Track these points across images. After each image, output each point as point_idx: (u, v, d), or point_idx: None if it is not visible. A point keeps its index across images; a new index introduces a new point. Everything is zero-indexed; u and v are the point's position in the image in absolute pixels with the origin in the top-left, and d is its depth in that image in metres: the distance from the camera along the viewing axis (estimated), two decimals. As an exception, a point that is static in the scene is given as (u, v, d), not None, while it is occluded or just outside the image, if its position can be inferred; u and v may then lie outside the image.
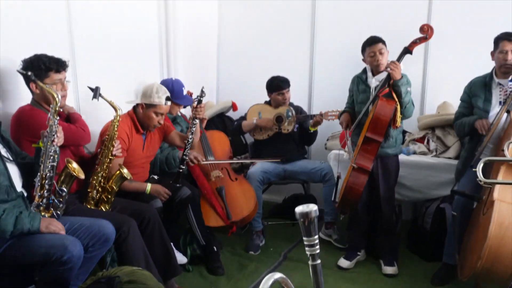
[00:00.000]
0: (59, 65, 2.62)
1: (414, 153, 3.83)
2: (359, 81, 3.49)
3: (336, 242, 3.90)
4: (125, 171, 2.83)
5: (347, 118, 3.56)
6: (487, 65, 3.26)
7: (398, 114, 3.16)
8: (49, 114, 2.30)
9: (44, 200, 2.36)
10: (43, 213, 2.36)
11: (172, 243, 3.17)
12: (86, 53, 3.38)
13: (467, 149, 3.30)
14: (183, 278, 3.27)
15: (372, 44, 3.33)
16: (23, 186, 2.37)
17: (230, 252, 3.80)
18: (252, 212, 3.69)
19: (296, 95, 4.36)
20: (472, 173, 2.38)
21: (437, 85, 4.23)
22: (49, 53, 2.63)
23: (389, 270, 3.43)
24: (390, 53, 3.37)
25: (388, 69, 3.13)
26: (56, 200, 2.38)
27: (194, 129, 3.30)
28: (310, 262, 1.15)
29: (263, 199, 4.08)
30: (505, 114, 3.00)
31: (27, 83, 2.61)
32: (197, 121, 3.32)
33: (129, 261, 2.60)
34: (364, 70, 3.48)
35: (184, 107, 4.02)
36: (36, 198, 2.34)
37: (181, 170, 3.32)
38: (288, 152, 4.09)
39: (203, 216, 3.52)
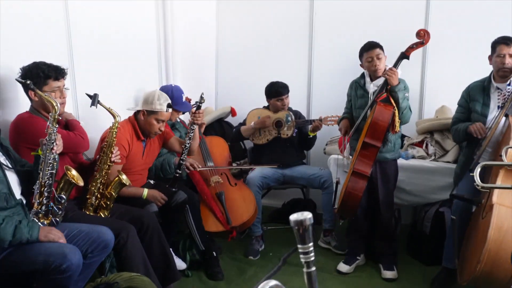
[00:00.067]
0: (57, 73, 2.63)
1: (413, 157, 3.83)
2: (357, 86, 3.50)
3: (335, 248, 3.90)
4: (124, 177, 2.83)
5: (346, 124, 3.57)
6: (485, 69, 3.26)
7: (397, 119, 3.17)
8: (48, 122, 2.31)
9: (43, 207, 2.36)
10: (42, 220, 2.36)
11: (171, 249, 3.17)
12: (84, 60, 3.39)
13: (465, 154, 3.30)
14: (183, 283, 3.26)
15: (369, 49, 3.34)
16: (22, 194, 2.37)
17: (230, 257, 3.80)
18: (252, 217, 3.69)
19: (295, 100, 4.36)
20: (471, 177, 2.38)
21: (436, 89, 4.23)
22: (48, 61, 2.65)
23: (388, 274, 3.43)
24: (388, 58, 3.38)
25: (386, 75, 3.15)
26: (55, 207, 2.39)
27: (192, 134, 3.31)
28: (304, 270, 1.15)
29: (263, 204, 4.08)
30: (504, 118, 3.00)
31: (26, 91, 2.62)
32: (195, 126, 3.33)
33: (128, 267, 2.60)
34: (362, 75, 3.49)
35: (183, 113, 4.03)
36: (35, 205, 2.34)
37: (177, 175, 3.32)
38: (287, 157, 4.09)
39: (202, 221, 3.53)
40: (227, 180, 3.89)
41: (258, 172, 3.99)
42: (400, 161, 3.63)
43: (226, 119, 4.84)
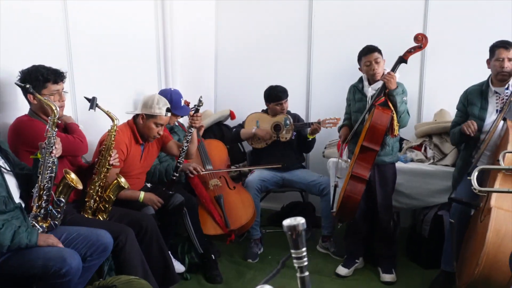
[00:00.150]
0: (57, 76, 2.64)
1: (412, 160, 3.83)
2: (356, 90, 3.51)
3: (334, 254, 3.90)
4: (122, 180, 2.84)
5: (346, 132, 3.57)
6: (483, 73, 3.27)
7: (395, 123, 3.17)
8: (47, 126, 2.31)
9: (42, 211, 2.36)
10: (40, 223, 2.36)
11: (170, 252, 3.18)
12: (83, 63, 3.39)
13: (462, 157, 3.31)
14: (181, 286, 3.27)
15: (368, 53, 3.34)
16: (21, 197, 2.37)
17: (228, 260, 3.80)
18: (251, 220, 3.69)
19: (294, 103, 4.37)
20: (469, 180, 2.38)
21: (434, 92, 4.24)
22: (47, 64, 2.66)
23: (387, 277, 3.43)
24: (386, 62, 3.39)
25: (384, 79, 3.16)
26: (54, 211, 2.39)
27: (189, 137, 3.32)
28: (298, 275, 1.16)
29: (261, 207, 4.09)
30: (502, 122, 3.01)
31: (25, 94, 2.62)
32: (193, 129, 3.34)
33: (126, 270, 2.61)
34: (360, 79, 3.50)
35: (182, 116, 4.04)
36: (34, 208, 2.35)
37: (174, 178, 3.33)
38: (286, 160, 4.10)
39: (201, 224, 3.53)
40: (226, 183, 3.90)
41: (257, 175, 4.00)
42: (399, 165, 3.64)
43: (225, 122, 4.84)
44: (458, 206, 3.09)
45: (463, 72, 3.93)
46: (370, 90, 3.37)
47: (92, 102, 2.77)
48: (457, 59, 4.10)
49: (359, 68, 3.47)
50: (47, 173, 2.32)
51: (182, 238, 3.59)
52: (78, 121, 3.29)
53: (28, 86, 2.37)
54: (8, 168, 2.34)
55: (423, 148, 3.89)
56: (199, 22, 4.87)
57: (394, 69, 3.23)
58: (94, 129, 3.26)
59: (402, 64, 3.25)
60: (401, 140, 4.03)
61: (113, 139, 2.81)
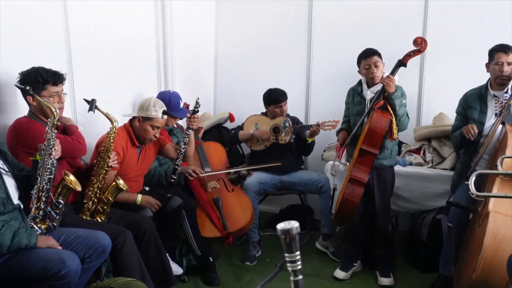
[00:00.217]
0: (56, 78, 2.65)
1: (410, 164, 3.83)
2: (354, 93, 3.51)
3: (332, 255, 3.90)
4: (121, 182, 2.84)
5: (344, 136, 3.58)
6: (482, 77, 3.28)
7: (394, 126, 3.18)
8: (46, 128, 2.32)
9: (41, 212, 2.36)
10: (39, 225, 2.36)
11: (168, 254, 3.18)
12: (83, 65, 3.40)
13: (462, 161, 3.31)
14: (179, 288, 3.27)
15: (367, 56, 3.35)
16: (19, 198, 2.38)
17: (226, 262, 3.80)
18: (249, 223, 3.69)
19: (293, 106, 4.37)
20: (467, 185, 2.39)
21: (433, 96, 4.25)
22: (47, 66, 2.66)
23: (385, 281, 3.43)
24: (386, 66, 3.39)
25: (383, 82, 3.16)
26: (52, 212, 2.39)
27: (187, 139, 3.32)
28: (292, 278, 1.16)
29: (260, 210, 4.09)
30: (500, 126, 3.02)
31: (24, 96, 2.63)
32: (191, 131, 3.34)
33: (124, 272, 2.61)
34: (360, 82, 3.51)
35: (181, 118, 4.04)
36: (33, 210, 2.35)
37: (172, 180, 3.33)
38: (285, 163, 4.10)
39: (199, 226, 3.53)
40: (224, 185, 3.89)
41: (255, 177, 4.00)
42: (398, 168, 3.65)
43: (224, 125, 4.84)
44: (457, 210, 3.09)
45: (462, 75, 3.94)
46: (369, 93, 3.38)
47: (92, 104, 2.77)
48: (456, 62, 4.11)
49: (358, 71, 3.48)
50: (46, 174, 2.32)
51: (180, 240, 3.59)
52: (77, 123, 3.29)
53: (27, 88, 2.38)
54: (7, 169, 2.34)
55: (422, 152, 3.90)
56: (199, 24, 4.88)
57: (393, 72, 3.24)
58: (93, 131, 3.26)
59: (401, 68, 3.26)
60: (400, 143, 4.04)
61: (112, 141, 2.82)
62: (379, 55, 3.36)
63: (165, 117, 3.22)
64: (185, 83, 4.56)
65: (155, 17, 4.24)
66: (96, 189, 2.81)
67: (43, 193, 2.34)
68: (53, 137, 2.32)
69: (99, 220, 2.83)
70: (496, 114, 3.14)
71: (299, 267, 1.16)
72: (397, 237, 3.97)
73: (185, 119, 3.99)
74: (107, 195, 2.83)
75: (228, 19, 5.07)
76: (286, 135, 4.07)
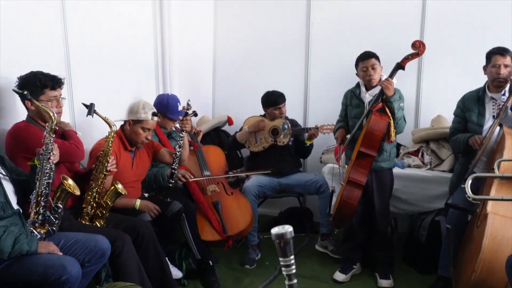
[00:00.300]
0: (54, 82, 2.65)
1: (409, 166, 3.84)
2: (352, 95, 3.52)
3: (332, 253, 3.91)
4: (119, 186, 2.84)
5: (342, 134, 3.59)
6: (479, 79, 3.29)
7: (392, 128, 3.19)
8: (45, 132, 2.32)
9: (40, 217, 2.36)
10: (38, 230, 2.36)
11: (167, 258, 3.17)
12: (82, 70, 3.40)
13: (461, 163, 3.31)
14: (179, 292, 3.27)
15: (365, 59, 3.36)
16: (18, 203, 2.37)
17: (226, 266, 3.80)
18: (248, 226, 3.69)
19: (292, 109, 4.39)
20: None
21: (431, 99, 4.27)
22: (45, 70, 2.67)
23: (384, 283, 3.44)
24: (384, 68, 3.40)
25: (382, 85, 3.17)
26: (51, 217, 2.39)
27: (181, 142, 3.32)
28: (286, 282, 1.17)
29: (259, 213, 4.10)
30: (498, 128, 3.02)
31: (23, 100, 2.63)
32: (184, 134, 3.34)
33: (123, 276, 2.60)
34: (357, 85, 3.51)
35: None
36: (32, 215, 2.35)
37: (170, 185, 3.33)
38: (283, 165, 4.10)
39: (199, 230, 3.52)
40: (224, 189, 3.90)
41: (254, 180, 4.00)
42: (396, 170, 3.65)
43: (223, 128, 4.85)
44: (455, 211, 3.10)
45: (460, 78, 3.96)
46: (367, 96, 3.39)
47: (90, 109, 2.78)
48: (453, 65, 4.13)
49: (356, 74, 3.49)
50: (45, 179, 2.32)
51: (180, 244, 3.59)
52: (76, 127, 3.29)
53: (25, 92, 2.38)
54: (5, 174, 2.34)
55: (420, 154, 3.91)
56: (197, 28, 4.89)
57: (391, 75, 3.25)
58: (91, 135, 3.27)
59: (399, 71, 3.27)
60: (399, 145, 4.05)
61: (110, 145, 2.82)
62: (377, 58, 3.37)
63: (155, 118, 3.22)
64: (184, 86, 4.56)
65: (153, 21, 4.24)
66: (95, 194, 2.81)
67: (42, 198, 2.34)
68: (51, 141, 2.32)
69: (98, 225, 2.83)
70: (493, 116, 3.15)
71: (294, 271, 1.17)
72: (396, 238, 3.97)
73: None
74: (106, 199, 2.83)
75: (227, 23, 5.08)
76: (284, 137, 4.07)
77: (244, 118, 4.27)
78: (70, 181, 2.49)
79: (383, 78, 3.26)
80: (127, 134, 3.20)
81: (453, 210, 3.11)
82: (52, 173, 2.35)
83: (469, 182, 2.34)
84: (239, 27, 5.03)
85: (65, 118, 3.07)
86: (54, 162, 2.37)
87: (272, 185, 4.07)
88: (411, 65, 3.40)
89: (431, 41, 4.01)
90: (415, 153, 3.95)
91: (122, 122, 3.24)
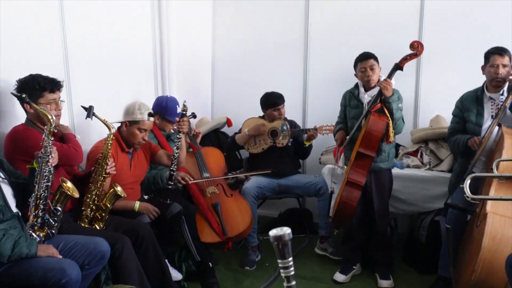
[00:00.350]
0: (53, 85, 2.66)
1: (408, 166, 3.85)
2: (351, 96, 3.52)
3: (332, 255, 3.91)
4: (119, 189, 2.84)
5: (342, 136, 3.59)
6: (478, 79, 3.30)
7: (391, 129, 3.19)
8: (43, 135, 2.32)
9: (39, 220, 2.36)
10: (37, 233, 2.36)
11: (167, 260, 3.17)
12: (80, 72, 3.41)
13: (460, 163, 3.32)
14: (179, 294, 3.26)
15: (363, 59, 3.36)
16: (17, 206, 2.37)
17: (226, 267, 3.80)
18: (248, 228, 3.69)
19: (291, 110, 4.39)
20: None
21: (430, 99, 4.27)
22: (44, 73, 2.67)
23: (384, 283, 3.44)
24: (382, 69, 3.40)
25: (380, 85, 3.17)
26: (51, 219, 2.39)
27: (179, 143, 3.33)
28: (285, 284, 1.17)
29: (259, 214, 4.09)
30: (497, 127, 3.03)
31: (22, 103, 2.63)
32: (181, 135, 3.35)
33: (123, 279, 2.60)
34: (356, 85, 3.52)
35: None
36: (31, 218, 2.35)
37: (169, 187, 3.33)
38: (282, 166, 4.10)
39: (198, 232, 3.52)
40: (223, 190, 3.89)
41: (253, 182, 4.00)
42: (395, 171, 3.65)
43: (222, 130, 4.85)
44: (454, 211, 3.10)
45: (459, 78, 3.96)
46: (366, 97, 3.39)
47: (89, 111, 2.78)
48: (452, 65, 4.13)
49: (355, 74, 3.49)
50: (44, 182, 2.32)
51: (180, 246, 3.59)
52: (75, 130, 3.29)
53: (24, 95, 2.38)
54: (3, 177, 2.34)
55: (419, 154, 3.91)
56: (196, 30, 4.89)
57: (390, 76, 3.25)
58: (90, 138, 3.28)
59: (398, 72, 3.27)
60: (397, 146, 4.04)
61: (109, 147, 2.82)
62: (375, 58, 3.37)
63: (152, 119, 3.22)
64: (183, 88, 4.57)
65: (151, 23, 4.25)
66: (94, 196, 2.80)
67: (41, 201, 2.34)
68: (50, 144, 2.33)
69: (98, 227, 2.83)
70: (492, 116, 3.16)
71: (292, 273, 1.17)
72: (396, 239, 3.97)
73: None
74: (105, 202, 2.83)
75: (225, 24, 5.09)
76: (283, 139, 4.07)
77: (243, 119, 4.28)
78: (69, 184, 2.49)
79: (382, 79, 3.27)
80: (124, 136, 3.20)
81: (452, 210, 3.11)
82: (51, 176, 2.35)
83: (467, 182, 2.34)
84: (238, 27, 5.04)
85: (64, 120, 3.07)
86: (53, 165, 2.37)
87: (272, 186, 4.07)
88: (409, 65, 3.41)
89: (430, 42, 4.03)
90: (414, 153, 3.95)
91: (119, 124, 3.24)
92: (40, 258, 2.23)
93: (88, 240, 2.48)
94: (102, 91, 3.58)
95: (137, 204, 3.16)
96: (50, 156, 2.32)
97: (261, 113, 4.23)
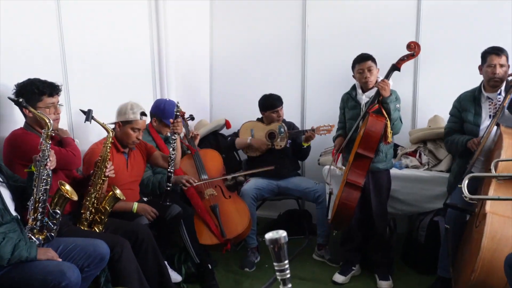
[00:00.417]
0: (52, 89, 2.67)
1: (407, 167, 3.85)
2: (349, 97, 3.53)
3: (329, 262, 3.90)
4: (118, 192, 2.84)
5: (341, 142, 3.59)
6: (475, 79, 3.30)
7: (389, 130, 3.19)
8: (41, 139, 2.32)
9: (38, 223, 2.36)
10: (37, 236, 2.36)
11: (166, 262, 3.17)
12: (79, 76, 3.41)
13: (458, 163, 3.32)
14: (178, 296, 3.26)
15: (361, 61, 3.37)
16: (16, 209, 2.37)
17: (225, 269, 3.80)
18: (246, 229, 3.68)
19: (289, 111, 4.39)
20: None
21: (428, 99, 4.28)
22: (42, 77, 2.67)
23: (384, 284, 3.44)
24: (380, 70, 3.41)
25: (378, 86, 3.18)
26: (50, 223, 2.39)
27: (175, 145, 3.33)
28: (281, 287, 1.18)
29: (258, 216, 4.10)
30: (495, 127, 3.03)
31: (20, 107, 2.62)
32: (176, 136, 3.35)
33: (122, 281, 2.60)
34: (354, 87, 3.52)
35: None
36: (30, 221, 2.35)
37: (168, 189, 3.33)
38: (281, 168, 4.09)
39: (197, 234, 3.52)
40: (221, 192, 3.88)
41: (252, 183, 4.00)
42: (394, 171, 3.66)
43: (220, 131, 4.84)
44: (453, 212, 3.10)
45: (456, 78, 3.96)
46: (364, 98, 3.39)
47: (88, 115, 2.78)
48: (450, 65, 4.14)
49: (353, 76, 3.49)
50: (42, 185, 2.32)
51: (179, 248, 3.59)
52: (74, 133, 3.29)
53: (21, 100, 2.38)
54: (1, 180, 2.34)
55: (417, 154, 3.91)
56: (194, 33, 4.90)
57: (387, 76, 3.26)
58: (89, 141, 3.27)
59: (396, 72, 3.27)
60: (396, 146, 4.05)
61: (108, 150, 2.83)
62: (373, 60, 3.38)
63: (144, 118, 3.23)
64: (181, 91, 4.57)
65: (149, 26, 4.25)
66: (93, 199, 2.80)
67: (40, 204, 2.34)
68: (48, 147, 2.33)
69: (97, 230, 2.82)
70: (490, 116, 3.16)
71: (288, 275, 1.17)
72: (395, 239, 3.98)
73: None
74: (105, 205, 2.83)
75: (223, 27, 5.10)
76: (281, 141, 4.07)
77: (241, 121, 4.28)
78: (68, 187, 2.49)
79: (379, 80, 3.27)
80: (118, 136, 3.21)
81: (451, 210, 3.10)
82: (49, 179, 2.35)
83: (465, 182, 2.35)
84: (236, 30, 5.04)
85: (62, 123, 3.07)
86: (51, 168, 2.37)
87: (271, 187, 4.07)
88: (407, 66, 3.42)
89: (427, 42, 4.04)
90: (412, 153, 3.95)
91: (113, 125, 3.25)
92: (39, 262, 2.23)
93: (87, 242, 2.48)
94: (100, 94, 3.58)
95: (135, 205, 3.16)
96: (48, 160, 2.33)
97: (260, 115, 4.23)
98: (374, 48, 3.56)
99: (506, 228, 2.53)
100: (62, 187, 2.44)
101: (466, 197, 2.36)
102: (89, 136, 3.38)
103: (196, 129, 4.59)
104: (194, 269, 3.51)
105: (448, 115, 3.46)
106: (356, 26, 4.47)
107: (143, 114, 3.21)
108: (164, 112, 3.69)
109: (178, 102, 3.38)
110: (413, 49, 3.23)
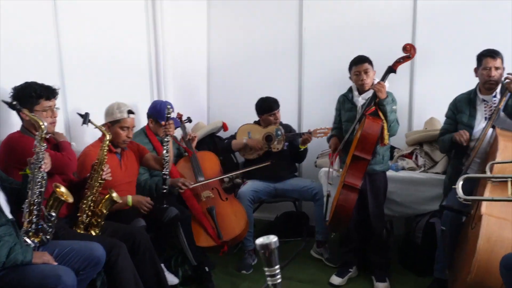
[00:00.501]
0: (49, 93, 2.67)
1: (403, 169, 3.85)
2: (345, 99, 3.54)
3: (327, 261, 3.90)
4: (114, 194, 2.83)
5: (335, 142, 3.60)
6: (471, 81, 3.31)
7: (386, 132, 3.20)
8: (35, 141, 2.32)
9: (33, 226, 2.36)
10: (32, 239, 2.36)
11: (163, 264, 3.17)
12: (75, 79, 3.41)
13: (452, 165, 3.34)
14: (175, 299, 3.26)
15: (358, 63, 3.38)
16: (11, 212, 2.36)
17: (222, 271, 3.79)
18: (243, 231, 3.68)
19: (286, 114, 4.40)
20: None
21: (424, 101, 4.29)
22: (39, 81, 2.67)
23: (381, 286, 3.44)
24: (377, 73, 3.42)
25: (374, 88, 3.19)
26: (45, 225, 2.39)
27: (168, 147, 3.34)
28: None
29: (255, 218, 4.09)
30: (491, 129, 3.04)
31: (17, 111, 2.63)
32: (169, 138, 3.36)
33: (119, 285, 2.61)
34: (350, 89, 3.53)
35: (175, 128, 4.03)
36: (25, 224, 2.34)
37: (164, 191, 3.33)
38: (279, 171, 4.10)
39: (194, 236, 3.51)
40: (218, 194, 3.88)
41: (249, 186, 4.00)
42: (391, 173, 3.67)
43: (217, 134, 4.84)
44: (449, 213, 3.10)
45: (452, 80, 3.98)
46: (360, 100, 3.40)
47: (85, 118, 2.79)
48: (446, 67, 4.15)
49: (349, 78, 3.50)
50: (37, 188, 2.32)
51: (176, 251, 3.58)
52: (70, 136, 3.29)
53: (14, 103, 2.39)
54: (-4, 183, 2.34)
55: (414, 156, 3.92)
56: (191, 35, 4.90)
57: (383, 78, 3.27)
58: (86, 140, 3.28)
59: (392, 75, 3.28)
60: (392, 148, 4.06)
61: (105, 153, 2.83)
62: (370, 62, 3.39)
63: (132, 116, 3.24)
64: (179, 93, 4.58)
65: (146, 29, 4.25)
66: (90, 202, 2.80)
67: (35, 207, 2.34)
68: (42, 150, 2.33)
69: (94, 233, 2.82)
70: (485, 118, 3.17)
71: (279, 280, 1.18)
72: (392, 241, 3.98)
73: (179, 129, 4.02)
74: (101, 207, 2.83)
75: (220, 29, 5.11)
76: (278, 143, 4.08)
77: (239, 123, 4.29)
78: (63, 189, 2.49)
79: (376, 82, 3.28)
80: None
81: (447, 212, 3.11)
82: (44, 181, 2.35)
83: (460, 183, 2.36)
84: (233, 33, 5.05)
85: (59, 126, 3.07)
86: (46, 170, 2.37)
87: (268, 190, 4.07)
88: (403, 68, 3.42)
89: (423, 44, 4.05)
90: (409, 155, 3.96)
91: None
92: (35, 265, 2.22)
93: (83, 245, 2.48)
94: (97, 97, 3.56)
95: (129, 198, 3.16)
96: (42, 162, 2.33)
97: (257, 118, 4.24)
98: (370, 50, 3.57)
99: (502, 229, 2.54)
100: (57, 189, 2.44)
101: (460, 197, 2.37)
102: (85, 138, 3.37)
103: (193, 131, 4.59)
104: (191, 272, 3.51)
105: (444, 118, 3.47)
106: (352, 29, 4.48)
107: (130, 112, 3.22)
108: (160, 113, 3.69)
109: (169, 104, 3.39)
110: (409, 51, 3.24)
